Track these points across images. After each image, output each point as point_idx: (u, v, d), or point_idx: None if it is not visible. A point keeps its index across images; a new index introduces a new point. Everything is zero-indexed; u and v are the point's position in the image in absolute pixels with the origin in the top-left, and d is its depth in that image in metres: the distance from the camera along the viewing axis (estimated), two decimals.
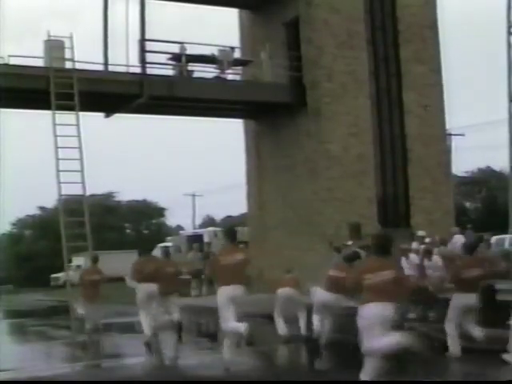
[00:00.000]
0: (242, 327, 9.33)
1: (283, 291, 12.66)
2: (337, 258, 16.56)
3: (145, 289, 12.57)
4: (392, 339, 7.33)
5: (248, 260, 10.04)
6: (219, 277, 9.76)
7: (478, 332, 10.06)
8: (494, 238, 20.75)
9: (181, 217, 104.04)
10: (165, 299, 12.46)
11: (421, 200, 21.74)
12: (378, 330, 7.28)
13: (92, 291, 13.60)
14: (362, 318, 7.46)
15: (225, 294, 9.51)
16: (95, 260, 14.41)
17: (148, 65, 19.72)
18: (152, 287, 12.63)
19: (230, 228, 11.98)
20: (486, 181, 47.38)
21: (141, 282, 12.67)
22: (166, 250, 14.63)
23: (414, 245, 15.35)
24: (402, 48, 22.21)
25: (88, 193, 18.32)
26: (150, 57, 19.78)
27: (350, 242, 17.79)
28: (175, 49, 20.50)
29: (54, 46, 18.39)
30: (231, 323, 9.51)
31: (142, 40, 19.54)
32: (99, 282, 13.83)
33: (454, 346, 10.07)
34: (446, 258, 14.63)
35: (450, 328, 10.12)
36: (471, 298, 9.98)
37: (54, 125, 17.34)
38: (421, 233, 16.92)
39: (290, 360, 11.88)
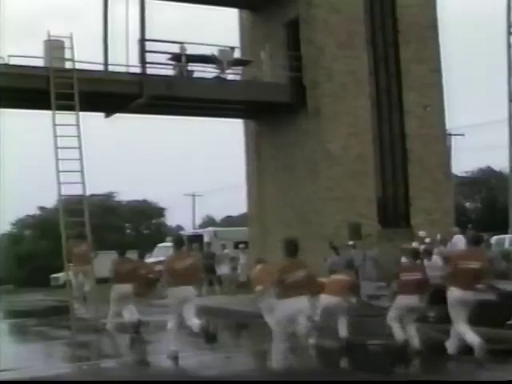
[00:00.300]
0: (197, 325, 10.55)
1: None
2: (333, 258, 16.72)
3: (120, 289, 13.51)
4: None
5: (197, 264, 11.65)
6: (171, 279, 10.80)
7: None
8: (493, 238, 20.79)
9: (181, 217, 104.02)
10: (138, 300, 12.89)
11: (421, 200, 21.74)
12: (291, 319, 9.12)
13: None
14: (280, 311, 9.26)
15: (175, 294, 10.77)
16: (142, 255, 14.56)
17: (148, 65, 19.72)
18: (126, 288, 13.48)
19: (177, 236, 13.40)
20: (486, 181, 47.38)
21: (116, 282, 13.63)
22: (140, 253, 14.84)
23: (414, 245, 15.36)
24: (402, 48, 22.20)
25: (88, 193, 18.29)
26: (150, 57, 19.78)
27: (350, 242, 17.89)
28: (175, 49, 20.50)
29: (54, 46, 18.37)
30: (190, 320, 10.70)
31: (142, 40, 19.54)
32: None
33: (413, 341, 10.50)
34: (446, 258, 14.66)
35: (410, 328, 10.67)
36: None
37: (54, 125, 17.30)
38: (422, 233, 16.93)
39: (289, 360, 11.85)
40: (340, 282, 11.71)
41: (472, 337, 9.57)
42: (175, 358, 10.69)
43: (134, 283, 13.64)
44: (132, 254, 17.39)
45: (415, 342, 10.63)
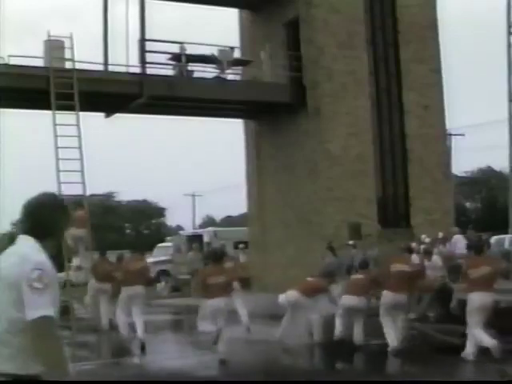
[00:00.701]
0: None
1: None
2: (330, 259, 16.78)
3: (95, 287, 15.05)
4: None
5: (146, 267, 13.76)
6: (124, 280, 12.90)
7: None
8: (493, 238, 20.77)
9: (181, 217, 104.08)
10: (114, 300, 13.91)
11: (421, 200, 21.73)
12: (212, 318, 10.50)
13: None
14: (211, 307, 10.51)
15: (126, 293, 12.80)
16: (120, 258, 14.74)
17: (148, 65, 19.72)
18: (102, 286, 14.89)
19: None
20: (486, 181, 47.39)
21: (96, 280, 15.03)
22: (119, 255, 15.12)
23: (413, 245, 15.34)
24: (402, 48, 22.20)
25: (88, 193, 18.32)
26: (150, 57, 19.77)
27: (351, 242, 17.89)
28: (175, 49, 20.49)
29: (54, 46, 18.36)
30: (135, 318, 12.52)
31: (142, 40, 19.53)
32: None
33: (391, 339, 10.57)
34: (445, 258, 14.67)
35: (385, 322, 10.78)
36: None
37: (54, 125, 17.32)
38: (423, 237, 16.92)
39: (289, 360, 11.87)
40: (359, 282, 11.68)
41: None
42: None
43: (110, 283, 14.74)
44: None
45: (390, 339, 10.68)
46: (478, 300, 9.79)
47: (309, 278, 12.55)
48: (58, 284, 3.31)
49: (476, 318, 9.74)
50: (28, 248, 3.23)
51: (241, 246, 24.21)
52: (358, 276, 11.97)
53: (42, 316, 3.05)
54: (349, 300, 11.42)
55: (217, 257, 11.20)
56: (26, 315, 3.05)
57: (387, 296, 10.81)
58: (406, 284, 10.82)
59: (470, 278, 10.02)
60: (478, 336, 9.64)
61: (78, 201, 16.48)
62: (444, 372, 9.40)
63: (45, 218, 3.33)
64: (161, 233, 53.10)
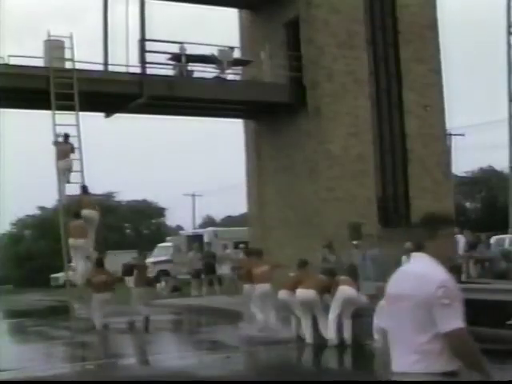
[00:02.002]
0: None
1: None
2: (324, 253, 17.00)
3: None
4: None
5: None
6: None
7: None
8: (493, 238, 20.78)
9: (181, 217, 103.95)
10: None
11: (421, 200, 21.71)
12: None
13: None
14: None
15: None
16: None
17: (148, 65, 19.72)
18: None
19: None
20: (486, 180, 47.35)
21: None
22: (98, 259, 15.20)
23: (408, 245, 15.34)
24: (402, 48, 22.19)
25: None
26: (150, 57, 19.77)
27: (354, 242, 17.90)
28: (175, 49, 20.49)
29: (54, 46, 18.38)
30: None
31: (142, 40, 19.53)
32: None
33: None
34: None
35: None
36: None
37: (54, 125, 17.33)
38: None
39: (289, 360, 11.87)
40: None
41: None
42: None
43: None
44: (132, 254, 17.48)
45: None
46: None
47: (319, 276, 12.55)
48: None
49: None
50: (426, 267, 3.72)
51: (241, 246, 24.21)
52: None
53: (455, 328, 3.64)
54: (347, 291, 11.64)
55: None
56: (440, 329, 3.62)
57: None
58: None
59: None
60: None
61: (75, 209, 16.49)
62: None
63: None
64: (161, 233, 53.05)
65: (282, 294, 12.49)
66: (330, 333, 11.45)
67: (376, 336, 10.90)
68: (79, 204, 16.56)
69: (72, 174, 17.34)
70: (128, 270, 17.44)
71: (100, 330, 14.32)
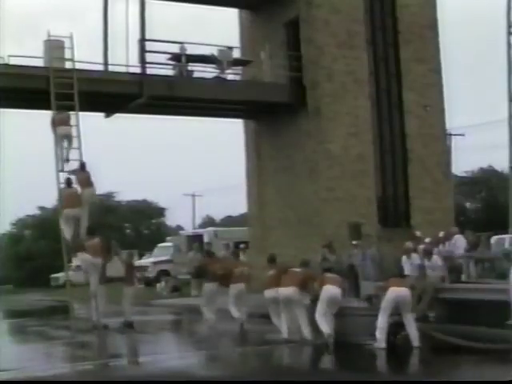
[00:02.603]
0: None
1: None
2: (323, 253, 17.16)
3: None
4: None
5: None
6: None
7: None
8: (494, 238, 20.75)
9: (181, 217, 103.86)
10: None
11: (421, 200, 21.72)
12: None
13: None
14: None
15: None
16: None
17: (148, 65, 19.72)
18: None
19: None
20: (486, 180, 47.33)
21: None
22: (90, 228, 15.60)
23: (408, 244, 15.36)
24: (402, 48, 22.19)
25: None
26: (150, 57, 19.78)
27: (354, 242, 17.92)
28: (175, 49, 20.50)
29: (54, 46, 18.38)
30: None
31: (142, 40, 19.54)
32: None
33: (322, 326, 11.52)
34: (445, 258, 14.66)
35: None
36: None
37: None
38: (418, 233, 16.95)
39: (289, 360, 11.88)
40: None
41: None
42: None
43: None
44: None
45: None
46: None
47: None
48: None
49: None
50: None
51: (241, 245, 24.20)
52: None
53: None
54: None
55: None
56: None
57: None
58: None
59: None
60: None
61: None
62: (444, 372, 9.40)
63: None
64: (161, 233, 53.03)
65: (269, 293, 12.74)
66: (324, 329, 11.53)
67: (378, 335, 10.91)
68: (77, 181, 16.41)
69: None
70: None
71: (93, 292, 14.69)
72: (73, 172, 16.84)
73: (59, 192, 16.55)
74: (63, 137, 17.24)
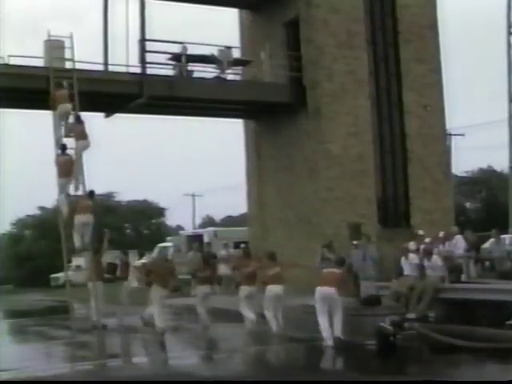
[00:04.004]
0: None
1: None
2: (323, 252, 17.21)
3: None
4: None
5: None
6: None
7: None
8: (493, 238, 20.73)
9: (181, 217, 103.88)
10: None
11: (421, 200, 21.73)
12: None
13: None
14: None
15: None
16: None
17: (148, 65, 19.73)
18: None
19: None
20: (486, 180, 47.34)
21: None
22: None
23: (412, 244, 15.36)
24: (402, 48, 22.20)
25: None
26: (150, 57, 19.79)
27: (355, 242, 17.94)
28: (175, 49, 20.51)
29: (54, 46, 18.37)
30: None
31: (142, 40, 19.55)
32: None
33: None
34: (445, 258, 14.66)
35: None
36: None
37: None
38: (421, 232, 16.94)
39: (289, 360, 11.88)
40: (332, 274, 11.89)
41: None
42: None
43: None
44: (132, 254, 17.48)
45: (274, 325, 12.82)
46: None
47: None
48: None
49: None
50: None
51: (242, 245, 24.18)
52: (333, 270, 12.03)
53: None
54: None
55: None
56: None
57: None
58: None
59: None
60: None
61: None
62: (444, 372, 9.40)
63: None
64: (161, 233, 53.04)
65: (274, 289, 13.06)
66: (273, 327, 12.73)
67: (323, 333, 11.29)
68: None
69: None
70: (111, 269, 17.51)
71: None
72: (71, 126, 16.96)
73: (56, 159, 16.59)
74: (63, 114, 17.25)
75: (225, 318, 15.77)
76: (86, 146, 16.77)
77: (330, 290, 11.49)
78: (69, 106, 17.12)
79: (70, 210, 16.08)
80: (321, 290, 11.57)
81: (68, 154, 16.57)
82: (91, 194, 16.35)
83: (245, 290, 13.85)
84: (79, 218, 15.74)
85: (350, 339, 11.36)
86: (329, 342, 11.24)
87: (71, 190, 16.47)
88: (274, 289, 12.99)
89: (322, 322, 11.44)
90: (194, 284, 21.14)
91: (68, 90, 17.37)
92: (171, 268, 14.99)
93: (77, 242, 15.73)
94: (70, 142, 16.89)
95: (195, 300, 14.97)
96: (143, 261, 19.06)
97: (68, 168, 16.28)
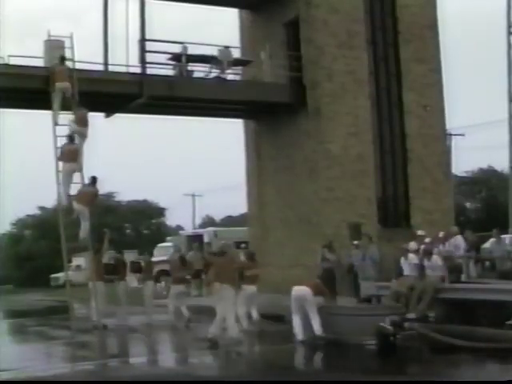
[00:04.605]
0: None
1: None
2: (323, 252, 17.30)
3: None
4: None
5: None
6: None
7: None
8: (493, 238, 20.74)
9: (181, 217, 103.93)
10: None
11: (421, 200, 21.72)
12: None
13: None
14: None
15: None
16: None
17: (148, 65, 19.72)
18: None
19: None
20: (486, 181, 47.36)
21: None
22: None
23: (412, 244, 15.37)
24: (402, 48, 22.18)
25: None
26: (150, 57, 19.77)
27: (355, 242, 17.95)
28: (175, 49, 20.50)
29: (54, 46, 18.36)
30: None
31: (142, 40, 19.53)
32: None
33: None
34: (445, 258, 14.67)
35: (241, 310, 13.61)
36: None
37: (54, 125, 17.31)
38: (420, 232, 16.95)
39: (290, 360, 11.88)
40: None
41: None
42: None
43: None
44: (132, 254, 17.47)
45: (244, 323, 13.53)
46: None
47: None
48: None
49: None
50: None
51: (243, 245, 24.20)
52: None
53: None
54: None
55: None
56: None
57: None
58: None
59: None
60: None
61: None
62: (444, 372, 9.40)
63: None
64: (161, 233, 53.09)
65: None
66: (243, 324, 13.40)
67: (296, 330, 11.94)
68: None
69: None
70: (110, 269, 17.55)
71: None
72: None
73: (60, 149, 16.78)
74: (60, 90, 17.37)
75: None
76: (83, 134, 16.87)
77: (303, 290, 11.94)
78: (67, 84, 17.30)
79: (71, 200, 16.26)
80: (295, 290, 12.20)
81: (75, 144, 16.78)
82: (94, 180, 16.54)
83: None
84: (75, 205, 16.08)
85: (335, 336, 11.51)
86: (299, 337, 11.92)
87: (76, 179, 16.63)
88: (249, 288, 13.72)
89: (294, 319, 12.12)
90: (196, 284, 21.25)
91: (67, 69, 17.66)
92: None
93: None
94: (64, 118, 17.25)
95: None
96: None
97: (73, 156, 16.48)
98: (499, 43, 26.42)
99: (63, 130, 17.22)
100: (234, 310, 12.55)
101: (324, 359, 11.41)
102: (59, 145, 16.96)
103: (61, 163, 16.59)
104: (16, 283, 45.46)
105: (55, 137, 17.16)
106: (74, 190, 16.68)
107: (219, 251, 13.36)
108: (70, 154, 16.51)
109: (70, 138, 16.83)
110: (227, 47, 21.16)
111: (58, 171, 16.77)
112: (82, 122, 17.07)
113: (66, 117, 17.49)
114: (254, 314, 14.32)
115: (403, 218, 21.94)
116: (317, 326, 11.93)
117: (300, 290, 12.21)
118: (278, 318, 14.46)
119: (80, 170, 16.62)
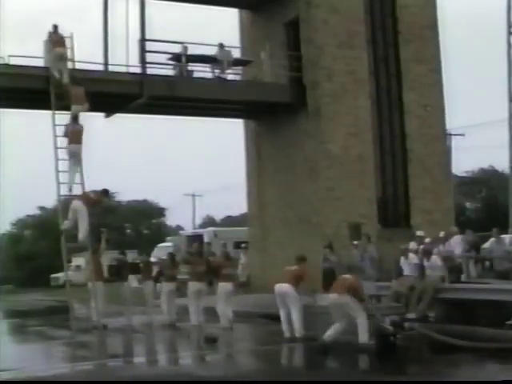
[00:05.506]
0: None
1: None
2: (325, 253, 17.37)
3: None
4: None
5: None
6: None
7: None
8: (493, 238, 20.74)
9: (181, 217, 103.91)
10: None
11: (421, 200, 21.72)
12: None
13: None
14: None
15: None
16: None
17: (148, 65, 19.72)
18: None
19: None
20: (486, 180, 47.34)
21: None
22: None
23: (412, 244, 15.35)
24: (402, 48, 22.19)
25: None
26: (150, 57, 19.78)
27: (355, 242, 17.96)
28: (175, 49, 20.51)
29: None
30: None
31: (142, 40, 19.54)
32: None
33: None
34: (445, 258, 14.66)
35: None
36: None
37: (54, 125, 17.30)
38: (419, 233, 16.96)
39: (290, 360, 11.89)
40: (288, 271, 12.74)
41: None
42: None
43: None
44: (132, 254, 17.50)
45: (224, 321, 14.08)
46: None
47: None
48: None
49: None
50: None
51: (243, 245, 24.19)
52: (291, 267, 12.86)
53: None
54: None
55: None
56: None
57: None
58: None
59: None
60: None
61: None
62: (444, 372, 9.40)
63: None
64: (161, 233, 53.08)
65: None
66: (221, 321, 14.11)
67: (283, 326, 12.25)
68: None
69: (71, 174, 17.22)
70: (114, 270, 17.62)
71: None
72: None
73: (64, 128, 16.86)
74: (57, 57, 17.65)
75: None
76: (79, 111, 17.03)
77: (284, 287, 12.07)
78: (63, 49, 17.74)
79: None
80: (276, 287, 12.48)
81: (79, 124, 16.87)
82: (105, 193, 16.73)
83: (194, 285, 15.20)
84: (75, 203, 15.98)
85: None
86: (287, 334, 12.18)
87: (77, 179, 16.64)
88: (225, 286, 14.33)
89: (282, 315, 12.42)
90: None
91: (63, 35, 18.10)
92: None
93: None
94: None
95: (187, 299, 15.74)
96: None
97: (77, 137, 16.55)
98: (499, 43, 26.44)
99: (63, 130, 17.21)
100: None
101: (324, 359, 11.39)
102: (59, 145, 16.95)
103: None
104: (16, 283, 45.43)
105: (55, 137, 17.15)
106: (75, 189, 16.64)
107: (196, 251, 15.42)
108: (74, 136, 16.54)
109: (74, 118, 16.86)
110: (222, 45, 21.07)
111: (57, 171, 16.77)
112: (79, 101, 17.04)
113: (66, 117, 17.49)
114: (229, 312, 14.53)
115: (403, 218, 21.94)
116: (298, 326, 12.09)
117: (281, 287, 12.40)
118: (278, 318, 14.44)
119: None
